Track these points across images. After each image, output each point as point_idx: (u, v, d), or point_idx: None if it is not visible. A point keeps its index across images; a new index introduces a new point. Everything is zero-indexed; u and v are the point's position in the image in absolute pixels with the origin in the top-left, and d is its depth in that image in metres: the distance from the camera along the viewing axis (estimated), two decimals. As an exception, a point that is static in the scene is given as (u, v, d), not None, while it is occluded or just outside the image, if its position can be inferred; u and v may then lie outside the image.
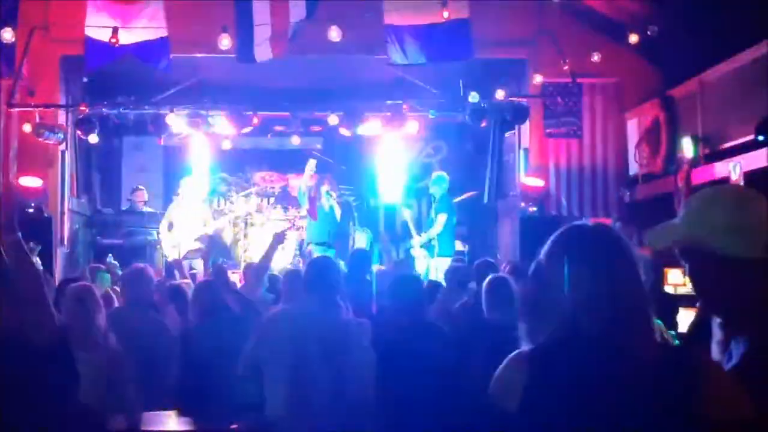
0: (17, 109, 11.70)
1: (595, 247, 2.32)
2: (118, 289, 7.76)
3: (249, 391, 4.94)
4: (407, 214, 13.78)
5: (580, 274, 2.26)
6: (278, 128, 14.49)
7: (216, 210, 14.49)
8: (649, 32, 11.04)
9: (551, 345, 2.30)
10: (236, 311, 5.91)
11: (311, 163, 13.52)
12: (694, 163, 10.30)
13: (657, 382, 2.18)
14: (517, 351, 2.36)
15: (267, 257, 7.58)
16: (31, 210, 11.43)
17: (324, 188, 13.23)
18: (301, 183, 13.49)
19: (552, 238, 2.39)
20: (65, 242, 12.63)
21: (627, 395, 2.18)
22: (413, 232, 13.14)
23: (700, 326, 4.06)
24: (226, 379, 5.07)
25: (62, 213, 12.55)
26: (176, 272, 9.66)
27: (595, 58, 11.76)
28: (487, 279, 6.04)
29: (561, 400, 2.23)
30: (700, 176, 10.11)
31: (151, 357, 5.80)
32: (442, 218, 12.38)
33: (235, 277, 10.58)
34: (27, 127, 11.60)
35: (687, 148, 10.38)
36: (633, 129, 12.51)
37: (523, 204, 12.51)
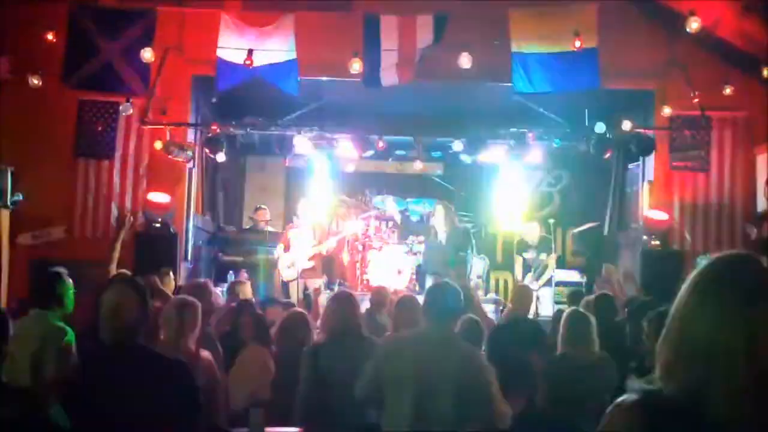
0: (150, 127, 12.09)
1: (760, 286, 1.95)
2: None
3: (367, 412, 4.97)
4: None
5: (737, 317, 1.89)
6: (399, 152, 14.56)
7: (332, 231, 14.58)
8: (784, 65, 10.72)
9: (675, 393, 1.93)
10: (365, 332, 5.92)
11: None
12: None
13: None
14: (621, 399, 2.01)
15: None
16: (158, 225, 11.76)
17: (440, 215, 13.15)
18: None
19: (708, 265, 2.06)
20: (189, 258, 12.90)
21: None
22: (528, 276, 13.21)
23: None
24: (350, 398, 5.11)
25: (187, 229, 12.81)
26: None
27: (727, 91, 11.42)
28: (567, 312, 5.97)
29: None
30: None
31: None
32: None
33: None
34: (158, 145, 11.92)
35: (820, 186, 9.99)
36: (763, 165, 12.12)
37: (645, 237, 12.24)
